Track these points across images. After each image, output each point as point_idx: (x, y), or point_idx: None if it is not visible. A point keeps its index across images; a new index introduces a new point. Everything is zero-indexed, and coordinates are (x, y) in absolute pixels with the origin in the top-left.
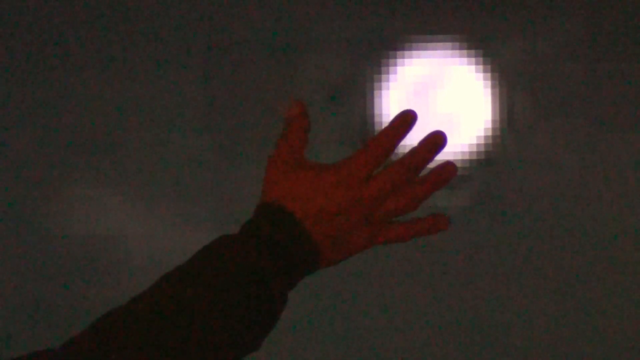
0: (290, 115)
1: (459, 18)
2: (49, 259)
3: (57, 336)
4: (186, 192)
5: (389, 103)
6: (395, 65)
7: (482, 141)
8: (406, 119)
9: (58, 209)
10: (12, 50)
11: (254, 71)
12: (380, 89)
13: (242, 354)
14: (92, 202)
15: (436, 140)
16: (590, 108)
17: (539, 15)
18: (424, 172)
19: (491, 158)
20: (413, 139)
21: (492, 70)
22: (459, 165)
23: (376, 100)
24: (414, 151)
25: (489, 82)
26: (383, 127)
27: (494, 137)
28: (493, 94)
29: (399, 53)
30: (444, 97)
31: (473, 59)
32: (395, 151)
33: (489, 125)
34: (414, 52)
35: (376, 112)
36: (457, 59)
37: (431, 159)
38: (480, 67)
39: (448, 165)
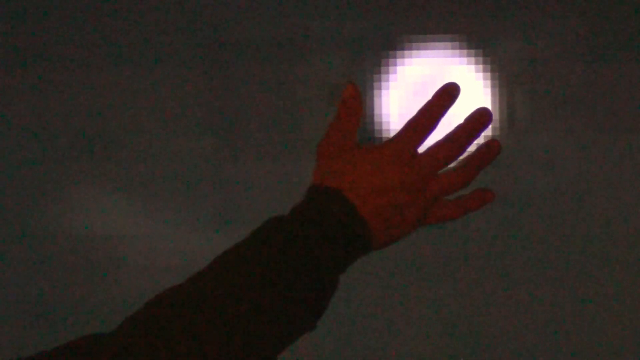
0: (344, 98)
1: (459, 18)
2: (49, 259)
3: (57, 336)
4: (187, 192)
5: (389, 103)
6: (395, 65)
7: (482, 141)
8: (449, 90)
9: (58, 209)
10: (12, 50)
11: (255, 71)
12: (380, 88)
13: (296, 334)
14: (92, 202)
15: (482, 116)
16: (590, 108)
17: (539, 15)
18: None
19: None
20: None
21: (492, 70)
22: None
23: (376, 100)
24: (460, 127)
25: (489, 82)
26: (383, 127)
27: (494, 137)
28: (493, 94)
29: (399, 53)
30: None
31: (473, 59)
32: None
33: (490, 126)
34: (414, 52)
35: (376, 112)
36: (457, 59)
37: (478, 135)
38: (480, 67)
39: (493, 142)
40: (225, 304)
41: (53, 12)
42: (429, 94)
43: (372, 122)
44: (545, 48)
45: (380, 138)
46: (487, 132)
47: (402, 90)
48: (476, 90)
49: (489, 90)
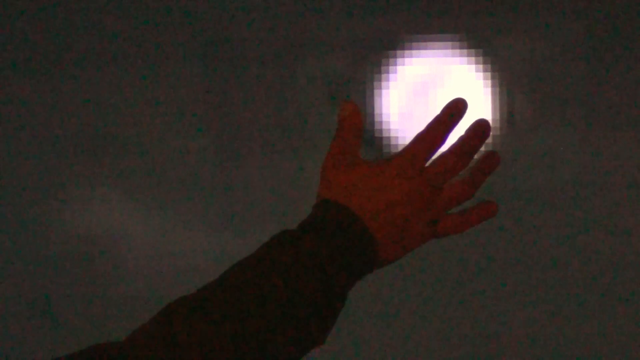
0: (342, 115)
1: (459, 18)
2: (49, 259)
3: (57, 336)
4: (187, 192)
5: (389, 103)
6: (395, 65)
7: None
8: (457, 106)
9: (58, 209)
10: (12, 50)
11: (254, 71)
12: (380, 88)
13: (305, 349)
14: (92, 202)
15: (483, 127)
16: (590, 108)
17: (539, 15)
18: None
19: None
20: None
21: (492, 70)
22: None
23: (376, 100)
24: (463, 139)
25: (489, 82)
26: (383, 126)
27: (494, 137)
28: (493, 94)
29: (399, 53)
30: (444, 96)
31: (473, 59)
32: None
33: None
34: (414, 52)
35: (376, 111)
36: (457, 59)
37: (480, 145)
38: (480, 67)
39: (494, 154)
40: (237, 318)
41: (53, 12)
42: (429, 94)
43: (372, 121)
44: (545, 48)
45: (381, 137)
46: None
47: (402, 90)
48: (476, 90)
49: (489, 90)
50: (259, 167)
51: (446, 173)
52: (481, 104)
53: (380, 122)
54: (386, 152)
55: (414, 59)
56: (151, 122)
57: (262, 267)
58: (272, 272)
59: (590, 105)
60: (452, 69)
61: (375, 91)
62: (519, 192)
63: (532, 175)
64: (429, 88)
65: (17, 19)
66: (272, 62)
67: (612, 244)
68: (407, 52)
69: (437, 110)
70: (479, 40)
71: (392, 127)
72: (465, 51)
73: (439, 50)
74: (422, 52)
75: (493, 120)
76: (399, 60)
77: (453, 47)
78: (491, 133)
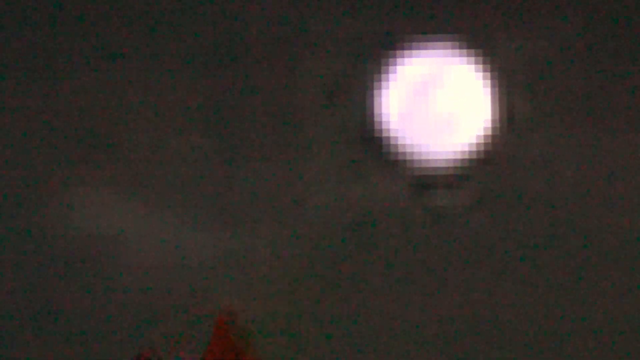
0: (218, 321)
1: (459, 18)
2: (49, 259)
3: (57, 336)
4: (186, 192)
5: (389, 102)
6: (395, 64)
7: (481, 140)
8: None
9: (58, 209)
10: (12, 50)
11: (254, 71)
12: (380, 88)
13: None
14: (92, 202)
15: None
16: (590, 108)
17: (539, 15)
18: (452, 165)
19: (491, 157)
20: (414, 137)
21: (492, 70)
22: (458, 164)
23: (376, 99)
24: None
25: (489, 82)
26: (383, 126)
27: (493, 136)
28: (493, 94)
29: (399, 53)
30: (443, 96)
31: (473, 59)
32: (411, 149)
33: (489, 125)
34: (414, 52)
35: (376, 111)
36: (457, 59)
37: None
38: (480, 67)
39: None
40: None
41: (53, 13)
42: (429, 94)
43: (372, 121)
44: (545, 48)
45: (380, 137)
46: (487, 132)
47: (402, 90)
48: (476, 90)
49: (489, 90)
50: (258, 168)
51: None
52: (481, 104)
53: (380, 122)
54: (386, 152)
55: (414, 59)
56: (151, 122)
57: None
58: None
59: (590, 105)
60: (452, 69)
61: (375, 91)
62: (518, 192)
63: (532, 175)
64: (428, 87)
65: (18, 18)
66: (272, 62)
67: (612, 244)
68: (407, 52)
69: (437, 110)
70: (479, 40)
71: (392, 126)
72: (465, 51)
73: (439, 50)
74: (422, 52)
75: (493, 120)
76: (399, 60)
77: (453, 47)
78: (491, 133)
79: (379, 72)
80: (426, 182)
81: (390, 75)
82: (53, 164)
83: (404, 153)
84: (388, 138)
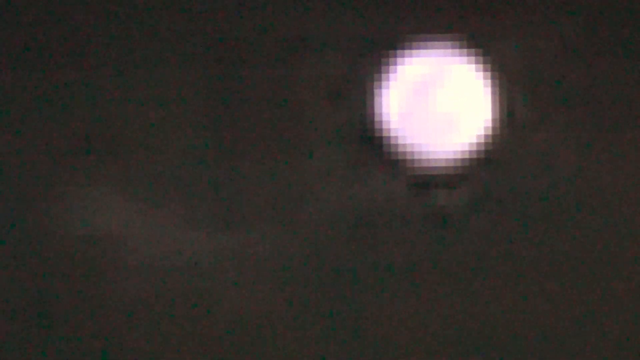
0: None
1: (459, 18)
2: (48, 259)
3: (56, 336)
4: (187, 192)
5: (389, 102)
6: (395, 64)
7: (482, 141)
8: None
9: (58, 209)
10: (12, 49)
11: (254, 71)
12: (380, 88)
13: None
14: (92, 202)
15: None
16: (590, 108)
17: (539, 15)
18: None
19: (491, 158)
20: (414, 137)
21: (492, 70)
22: (458, 164)
23: (376, 99)
24: None
25: (489, 82)
26: (383, 126)
27: (494, 136)
28: (493, 94)
29: (399, 52)
30: (443, 96)
31: (473, 59)
32: (411, 149)
33: (489, 125)
34: (414, 52)
35: (376, 111)
36: (457, 58)
37: None
38: (480, 66)
39: None
40: None
41: (52, 11)
42: (429, 94)
43: (372, 121)
44: (545, 48)
45: (380, 137)
46: (487, 132)
47: (402, 90)
48: (476, 90)
49: (489, 90)
50: (258, 167)
51: None
52: (481, 104)
53: (380, 122)
54: (386, 152)
55: (414, 59)
56: (151, 122)
57: None
58: None
59: (590, 105)
60: (452, 68)
61: (375, 91)
62: (518, 192)
63: (532, 175)
64: (428, 87)
65: (18, 17)
66: (272, 62)
67: (613, 244)
68: (407, 52)
69: (437, 110)
70: (479, 40)
71: (392, 126)
72: (465, 51)
73: (439, 50)
74: (422, 52)
75: (493, 120)
76: (399, 60)
77: (453, 47)
78: (491, 133)
79: (379, 72)
80: (426, 182)
81: (390, 75)
82: (52, 163)
83: (404, 153)
84: (388, 138)
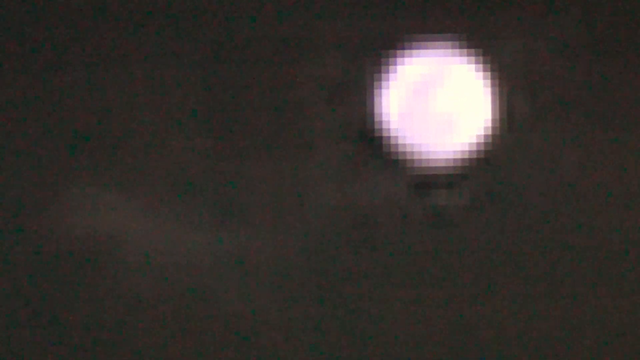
0: None
1: (459, 18)
2: (48, 259)
3: (56, 336)
4: (187, 192)
5: (389, 102)
6: (395, 64)
7: (482, 141)
8: None
9: (58, 209)
10: (12, 49)
11: (254, 70)
12: (380, 87)
13: None
14: (92, 202)
15: None
16: (590, 108)
17: (538, 15)
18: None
19: (491, 158)
20: (414, 137)
21: (492, 70)
22: (458, 164)
23: (376, 99)
24: None
25: (489, 82)
26: (383, 126)
27: (494, 136)
28: (493, 94)
29: (399, 52)
30: (443, 96)
31: (473, 59)
32: (411, 149)
33: (489, 125)
34: (414, 52)
35: (376, 111)
36: (457, 58)
37: None
38: (480, 66)
39: None
40: None
41: (51, 11)
42: (429, 94)
43: (372, 121)
44: (545, 48)
45: (380, 137)
46: (487, 132)
47: (402, 90)
48: (476, 90)
49: (489, 90)
50: (258, 167)
51: None
52: (481, 104)
53: (380, 122)
54: (386, 152)
55: (414, 59)
56: (150, 122)
57: None
58: None
59: (590, 105)
60: (452, 68)
61: (375, 91)
62: (518, 192)
63: (532, 175)
64: (428, 87)
65: (17, 17)
66: (272, 62)
67: (613, 244)
68: (407, 52)
69: (437, 110)
70: (479, 40)
71: (391, 126)
72: (465, 51)
73: (439, 50)
74: (422, 52)
75: (493, 120)
76: (399, 60)
77: (453, 47)
78: (491, 133)
79: (379, 72)
80: (426, 182)
81: (390, 75)
82: (52, 163)
83: (404, 153)
84: (388, 138)
